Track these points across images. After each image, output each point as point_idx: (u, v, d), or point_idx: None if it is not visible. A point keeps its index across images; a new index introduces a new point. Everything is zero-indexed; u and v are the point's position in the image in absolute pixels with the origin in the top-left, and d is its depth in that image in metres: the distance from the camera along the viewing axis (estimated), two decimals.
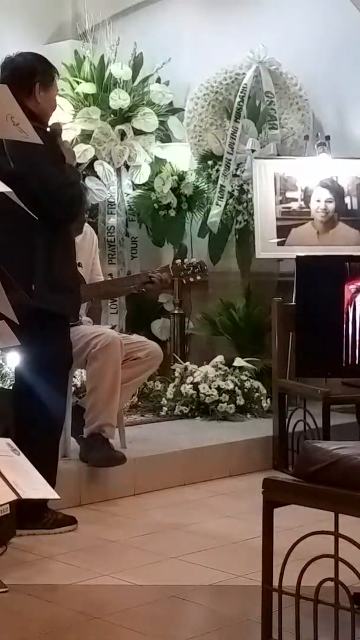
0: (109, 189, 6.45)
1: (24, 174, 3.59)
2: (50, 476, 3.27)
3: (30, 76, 3.86)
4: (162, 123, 6.55)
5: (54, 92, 3.97)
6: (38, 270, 3.75)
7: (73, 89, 6.49)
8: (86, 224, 5.01)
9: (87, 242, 4.90)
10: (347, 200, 6.04)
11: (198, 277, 5.00)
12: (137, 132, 6.47)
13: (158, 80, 6.62)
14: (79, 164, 5.74)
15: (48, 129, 3.90)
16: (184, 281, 5.06)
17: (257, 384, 5.72)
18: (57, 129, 4.05)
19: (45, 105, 3.90)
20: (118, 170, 6.47)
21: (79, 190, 3.96)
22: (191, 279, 5.00)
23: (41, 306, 3.70)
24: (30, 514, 3.76)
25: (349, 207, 6.04)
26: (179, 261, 5.03)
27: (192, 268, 4.94)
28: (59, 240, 3.85)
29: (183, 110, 6.64)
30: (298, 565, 2.54)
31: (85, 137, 6.36)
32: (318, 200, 6.02)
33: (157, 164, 6.52)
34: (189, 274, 4.95)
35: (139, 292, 5.18)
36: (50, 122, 4.00)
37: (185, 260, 5.06)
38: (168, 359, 5.85)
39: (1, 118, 2.65)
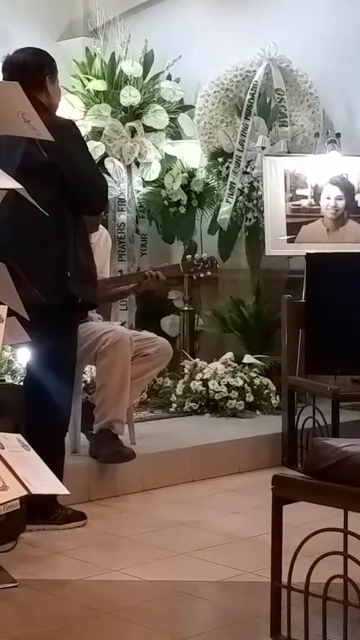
0: (120, 186, 6.46)
1: (57, 163, 3.67)
2: (57, 470, 3.27)
3: (40, 71, 3.90)
4: (172, 120, 6.56)
5: (58, 82, 4.05)
6: (70, 259, 3.78)
7: (84, 86, 6.51)
8: (102, 227, 5.02)
9: (102, 243, 4.90)
10: (357, 197, 6.03)
11: (208, 273, 5.00)
12: (148, 129, 6.48)
13: (169, 78, 6.64)
14: None
15: None
16: (195, 277, 5.06)
17: (266, 380, 5.72)
18: None
19: (55, 95, 3.97)
20: (128, 167, 6.48)
21: (106, 183, 4.02)
22: (201, 275, 5.01)
23: (74, 293, 3.76)
24: (40, 510, 3.76)
25: (359, 204, 6.03)
26: (189, 257, 5.03)
27: (202, 264, 4.95)
28: (81, 232, 3.89)
29: (193, 107, 6.63)
30: (307, 562, 2.55)
31: (96, 134, 6.38)
32: (328, 198, 6.01)
33: (168, 161, 6.53)
34: (199, 269, 4.96)
35: (137, 293, 5.20)
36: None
37: (196, 255, 5.06)
38: (177, 355, 5.86)
39: (13, 115, 2.67)
